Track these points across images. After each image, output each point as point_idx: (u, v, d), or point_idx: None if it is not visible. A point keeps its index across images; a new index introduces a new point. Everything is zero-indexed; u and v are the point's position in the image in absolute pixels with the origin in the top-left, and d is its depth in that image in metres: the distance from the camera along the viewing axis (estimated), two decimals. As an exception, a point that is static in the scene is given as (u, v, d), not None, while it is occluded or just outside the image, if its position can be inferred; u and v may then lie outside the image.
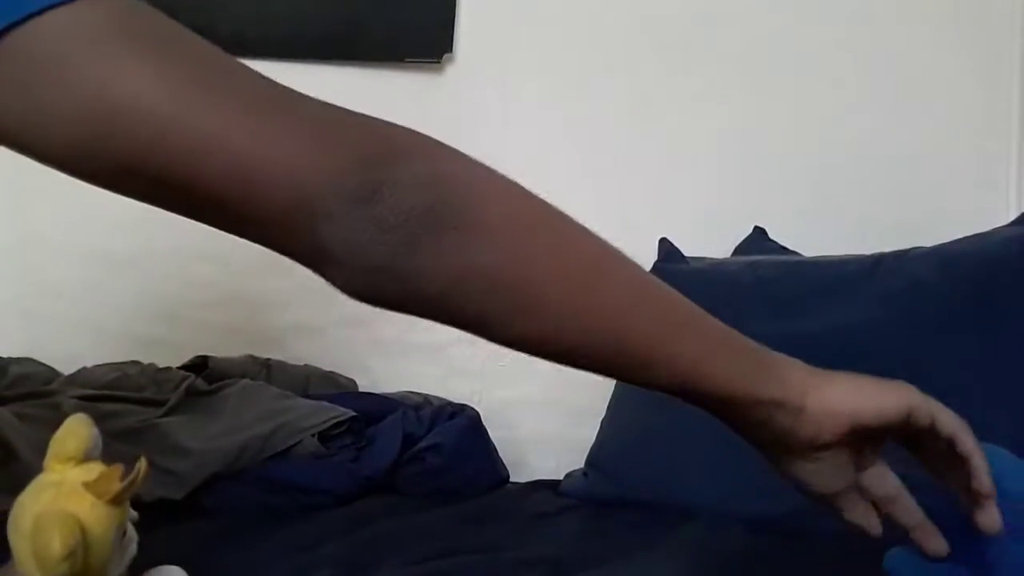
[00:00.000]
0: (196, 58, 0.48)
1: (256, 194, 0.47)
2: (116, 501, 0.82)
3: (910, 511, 0.65)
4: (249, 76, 0.49)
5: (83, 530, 0.79)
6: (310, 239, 0.48)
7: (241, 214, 0.48)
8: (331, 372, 1.63)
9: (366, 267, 0.49)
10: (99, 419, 1.25)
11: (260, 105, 0.48)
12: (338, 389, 1.58)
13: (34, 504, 0.81)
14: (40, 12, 0.45)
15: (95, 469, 0.83)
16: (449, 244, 0.49)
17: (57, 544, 0.76)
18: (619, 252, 0.57)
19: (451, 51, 1.75)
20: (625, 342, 0.55)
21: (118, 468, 0.83)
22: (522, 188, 0.54)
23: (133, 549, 0.87)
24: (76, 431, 0.85)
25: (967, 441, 0.61)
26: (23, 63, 0.45)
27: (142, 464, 0.82)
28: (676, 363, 0.57)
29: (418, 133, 0.52)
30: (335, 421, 1.37)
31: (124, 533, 0.85)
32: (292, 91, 0.50)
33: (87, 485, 0.81)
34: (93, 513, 0.80)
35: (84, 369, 1.50)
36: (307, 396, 1.47)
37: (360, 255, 0.48)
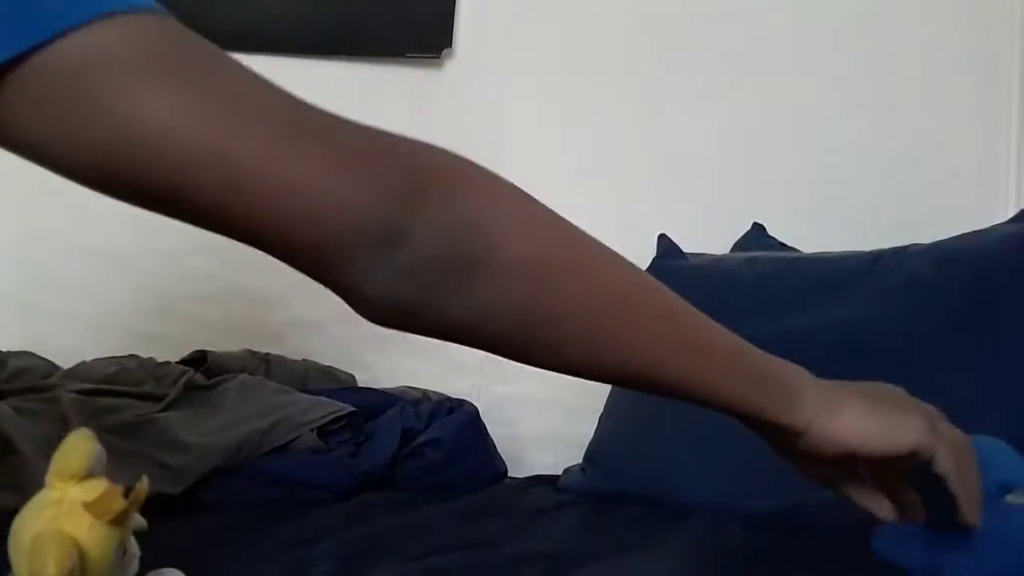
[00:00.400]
0: (225, 84, 0.47)
1: (283, 231, 0.47)
2: (116, 522, 0.81)
3: (902, 492, 0.67)
4: (279, 101, 0.48)
5: (80, 551, 0.78)
6: (336, 275, 0.49)
7: (268, 244, 0.49)
8: (330, 367, 1.63)
9: (389, 306, 0.50)
10: (97, 413, 1.26)
11: (289, 137, 0.47)
12: (337, 384, 1.58)
13: (34, 522, 0.81)
14: (68, 31, 0.43)
15: (97, 487, 0.82)
16: (472, 287, 0.50)
17: (52, 568, 0.75)
18: (640, 277, 0.58)
19: (450, 47, 1.75)
20: (641, 370, 0.57)
21: (119, 488, 0.83)
22: (548, 214, 0.54)
23: (135, 566, 0.86)
24: (78, 447, 0.84)
25: (955, 484, 0.63)
26: (48, 83, 0.43)
27: (143, 485, 0.82)
28: (689, 386, 0.59)
29: (446, 157, 0.52)
30: (334, 416, 1.37)
31: (125, 551, 0.85)
32: (321, 114, 0.49)
33: (87, 505, 0.80)
34: (92, 534, 0.80)
35: (83, 363, 1.50)
36: (306, 391, 1.47)
37: (383, 296, 0.49)
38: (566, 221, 0.55)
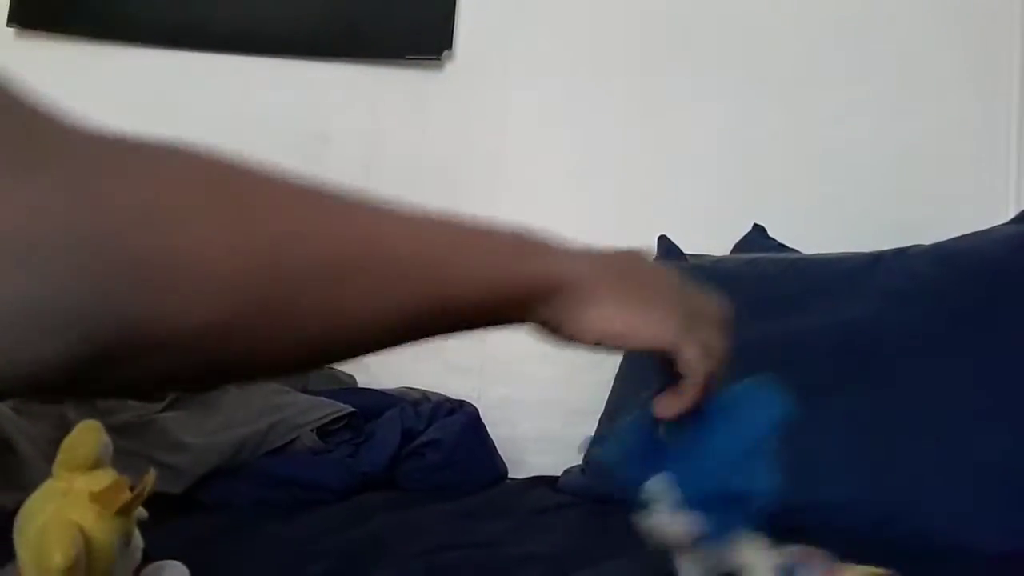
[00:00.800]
0: None
1: None
2: (122, 512, 0.81)
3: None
4: None
5: (87, 541, 0.78)
6: None
7: None
8: (330, 368, 1.63)
9: (37, 388, 0.39)
10: (97, 414, 1.26)
11: None
12: (337, 385, 1.58)
13: (40, 512, 0.81)
14: None
15: (103, 478, 0.83)
16: (144, 363, 0.39)
17: (59, 556, 0.75)
18: (357, 251, 0.47)
19: (451, 49, 1.75)
20: (385, 330, 0.51)
21: (125, 479, 0.83)
22: (252, 244, 0.41)
23: (138, 557, 0.87)
24: (85, 439, 0.84)
25: (693, 385, 0.61)
26: None
27: (150, 476, 0.82)
28: (442, 314, 0.52)
29: (129, 189, 0.38)
30: (334, 416, 1.37)
31: (129, 542, 0.85)
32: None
33: (93, 496, 0.81)
34: (98, 523, 0.80)
35: (83, 364, 1.49)
36: (306, 392, 1.47)
37: (27, 378, 0.37)
38: (270, 236, 0.42)
